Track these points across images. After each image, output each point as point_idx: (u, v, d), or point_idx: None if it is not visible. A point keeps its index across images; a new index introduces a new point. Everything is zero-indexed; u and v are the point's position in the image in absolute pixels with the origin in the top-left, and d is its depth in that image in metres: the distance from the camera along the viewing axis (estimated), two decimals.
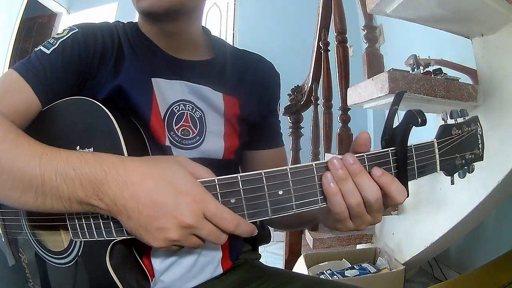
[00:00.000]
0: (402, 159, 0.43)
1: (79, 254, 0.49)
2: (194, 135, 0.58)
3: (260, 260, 0.73)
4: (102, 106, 0.48)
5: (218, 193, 0.40)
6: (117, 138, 0.45)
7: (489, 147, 1.11)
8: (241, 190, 0.40)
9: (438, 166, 0.47)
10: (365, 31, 1.46)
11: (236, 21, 3.54)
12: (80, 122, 0.50)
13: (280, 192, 0.40)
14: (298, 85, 2.08)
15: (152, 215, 0.38)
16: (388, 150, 0.43)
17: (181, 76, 0.59)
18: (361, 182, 0.41)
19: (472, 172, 0.49)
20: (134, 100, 0.54)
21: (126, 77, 0.55)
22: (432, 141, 0.46)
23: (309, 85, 1.94)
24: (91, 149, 0.46)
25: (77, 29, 0.54)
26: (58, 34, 0.54)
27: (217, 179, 0.40)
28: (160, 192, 0.38)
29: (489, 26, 1.05)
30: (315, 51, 1.88)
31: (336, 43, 1.58)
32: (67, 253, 0.51)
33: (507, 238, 1.51)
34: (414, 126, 0.42)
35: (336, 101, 1.60)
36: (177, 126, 0.57)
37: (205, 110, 0.60)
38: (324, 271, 1.48)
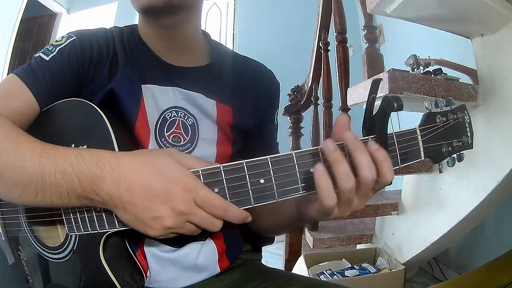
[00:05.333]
0: (383, 146, 0.42)
1: (74, 248, 0.51)
2: (185, 142, 0.59)
3: (260, 261, 0.73)
4: (96, 107, 0.50)
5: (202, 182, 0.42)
6: (109, 137, 0.48)
7: (489, 147, 1.11)
8: (224, 179, 0.41)
9: (422, 153, 0.46)
10: (365, 31, 1.46)
11: (236, 21, 3.54)
12: (75, 122, 0.52)
13: (262, 181, 0.41)
14: (298, 85, 2.08)
15: (146, 206, 0.40)
16: (368, 138, 0.43)
17: (175, 82, 0.60)
18: (361, 160, 0.40)
19: (461, 160, 0.49)
20: (122, 106, 0.56)
21: (118, 83, 0.56)
22: (414, 129, 0.46)
23: (309, 85, 1.94)
24: (85, 146, 0.48)
25: (75, 37, 0.56)
26: (56, 41, 0.56)
27: (201, 169, 0.42)
28: (151, 182, 0.40)
29: (489, 26, 1.05)
30: (315, 51, 1.88)
31: (336, 43, 1.57)
32: (63, 248, 0.52)
33: (507, 238, 1.51)
34: (391, 112, 0.42)
35: (336, 101, 1.60)
36: (168, 133, 0.58)
37: (198, 117, 0.60)
38: (324, 271, 1.48)
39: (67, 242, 0.51)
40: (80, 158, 0.41)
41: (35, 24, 3.43)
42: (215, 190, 0.42)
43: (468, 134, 0.50)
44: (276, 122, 0.71)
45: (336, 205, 0.41)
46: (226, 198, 0.42)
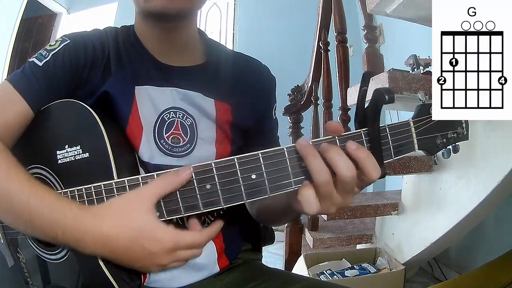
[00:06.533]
0: (375, 139, 0.42)
1: (71, 248, 0.51)
2: (184, 142, 0.59)
3: (260, 261, 0.73)
4: (89, 108, 0.50)
5: (194, 180, 0.42)
6: (102, 138, 0.48)
7: (489, 147, 1.11)
8: (215, 175, 0.42)
9: (416, 145, 0.46)
10: (365, 31, 1.46)
11: (236, 21, 3.54)
12: (68, 123, 0.53)
13: (253, 176, 0.41)
14: (298, 85, 2.08)
15: (131, 262, 0.44)
16: (360, 131, 0.43)
17: (172, 82, 0.59)
18: (335, 159, 0.40)
19: (457, 152, 0.48)
20: (115, 108, 0.56)
21: (111, 85, 0.56)
22: (408, 121, 0.45)
23: (309, 85, 1.94)
24: (78, 147, 0.49)
25: (69, 41, 0.56)
26: (50, 45, 0.56)
27: (193, 166, 0.42)
28: (134, 251, 0.43)
29: None
30: (315, 51, 1.88)
31: (336, 43, 1.57)
32: (60, 249, 0.52)
33: (507, 238, 1.51)
34: (383, 104, 0.41)
35: (336, 101, 1.60)
36: (167, 134, 0.58)
37: (196, 116, 0.60)
38: (324, 271, 1.48)
39: None
40: (63, 217, 0.42)
41: (35, 24, 3.42)
42: (207, 186, 0.42)
43: (463, 125, 0.49)
44: (274, 117, 0.70)
45: (316, 211, 0.41)
46: (218, 194, 0.42)
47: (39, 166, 0.54)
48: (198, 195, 0.43)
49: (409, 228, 1.46)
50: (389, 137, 0.44)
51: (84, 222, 0.42)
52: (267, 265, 0.71)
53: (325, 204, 0.42)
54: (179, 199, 0.43)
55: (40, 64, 0.53)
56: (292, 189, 0.42)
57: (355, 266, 1.50)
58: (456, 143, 0.48)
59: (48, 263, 0.54)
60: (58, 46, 0.55)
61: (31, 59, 0.55)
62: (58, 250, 0.53)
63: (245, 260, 0.69)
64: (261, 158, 0.41)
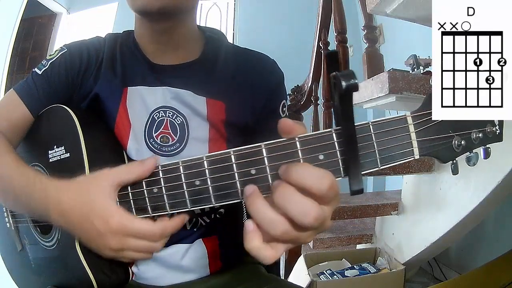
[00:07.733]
0: (349, 140, 0.32)
1: (59, 237, 0.53)
2: (174, 141, 0.58)
3: (264, 265, 0.71)
4: (70, 111, 0.54)
5: (143, 182, 0.41)
6: (78, 139, 0.52)
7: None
8: (161, 179, 0.40)
9: (416, 150, 0.34)
10: (365, 31, 1.47)
11: (236, 21, 3.54)
12: (56, 125, 0.58)
13: (197, 182, 0.38)
14: (298, 85, 2.08)
15: (86, 238, 0.44)
16: (331, 130, 0.34)
17: (165, 82, 0.59)
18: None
19: (488, 157, 0.36)
20: (104, 109, 0.59)
21: (100, 87, 0.59)
22: (404, 116, 0.34)
23: (309, 85, 1.95)
24: (63, 147, 0.54)
25: (66, 50, 0.61)
26: (50, 55, 0.61)
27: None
28: (86, 227, 0.43)
29: None
30: (315, 51, 1.88)
31: (336, 43, 1.58)
32: (52, 236, 0.55)
33: (507, 238, 1.51)
34: (346, 94, 0.31)
35: None
36: (156, 133, 0.58)
37: (187, 115, 0.59)
38: (324, 271, 1.48)
39: (55, 230, 0.54)
40: (33, 185, 0.47)
41: (35, 24, 3.43)
42: (154, 190, 0.41)
43: (496, 121, 0.36)
44: (283, 115, 0.65)
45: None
46: (164, 199, 0.40)
47: (37, 164, 0.58)
48: (146, 198, 0.41)
49: (409, 228, 1.46)
50: (373, 138, 0.34)
51: (49, 192, 0.45)
52: (265, 270, 0.69)
53: (290, 243, 0.34)
54: (131, 200, 0.42)
55: (40, 72, 0.59)
56: (240, 201, 0.37)
57: (355, 266, 1.50)
58: (487, 146, 0.36)
59: (45, 249, 0.57)
60: (56, 56, 0.60)
61: (34, 69, 0.60)
62: (51, 238, 0.55)
63: (245, 262, 0.67)
64: (205, 162, 0.37)
